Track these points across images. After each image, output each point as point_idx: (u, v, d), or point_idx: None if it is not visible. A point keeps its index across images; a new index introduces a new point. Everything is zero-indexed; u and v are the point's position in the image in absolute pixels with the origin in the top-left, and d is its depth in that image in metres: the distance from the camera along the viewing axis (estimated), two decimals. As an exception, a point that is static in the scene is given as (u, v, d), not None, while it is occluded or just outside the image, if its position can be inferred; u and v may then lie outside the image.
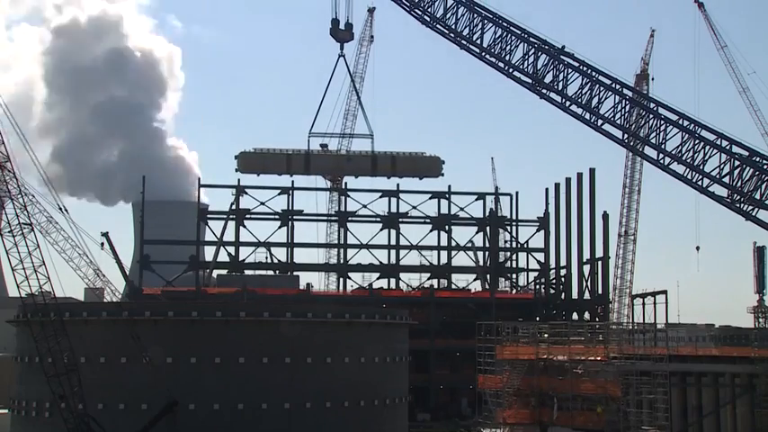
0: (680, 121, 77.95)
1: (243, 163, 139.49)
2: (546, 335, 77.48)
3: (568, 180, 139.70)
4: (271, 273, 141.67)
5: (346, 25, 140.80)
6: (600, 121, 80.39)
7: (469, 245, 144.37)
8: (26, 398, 73.22)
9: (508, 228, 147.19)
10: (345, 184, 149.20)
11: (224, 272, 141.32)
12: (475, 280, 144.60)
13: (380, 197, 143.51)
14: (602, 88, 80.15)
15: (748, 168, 75.25)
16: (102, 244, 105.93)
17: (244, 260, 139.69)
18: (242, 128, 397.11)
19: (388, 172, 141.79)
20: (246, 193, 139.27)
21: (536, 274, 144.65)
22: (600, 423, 69.37)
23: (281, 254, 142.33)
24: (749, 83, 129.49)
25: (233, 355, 70.40)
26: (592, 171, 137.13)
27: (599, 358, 70.84)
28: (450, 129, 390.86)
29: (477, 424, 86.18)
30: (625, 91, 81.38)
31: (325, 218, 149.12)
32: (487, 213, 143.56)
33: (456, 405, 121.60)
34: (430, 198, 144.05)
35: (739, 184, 75.27)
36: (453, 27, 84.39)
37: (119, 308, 73.75)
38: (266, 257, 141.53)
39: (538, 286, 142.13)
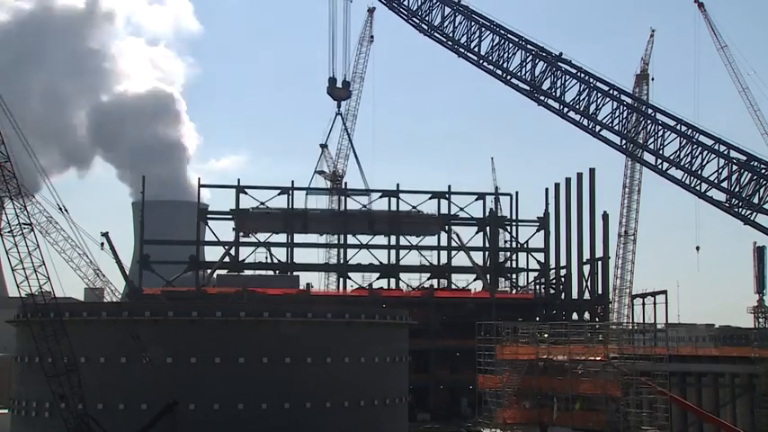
0: (678, 127, 78.19)
1: (240, 223, 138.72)
2: (546, 335, 77.41)
3: (568, 180, 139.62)
4: (271, 273, 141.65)
5: (343, 83, 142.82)
6: (598, 128, 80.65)
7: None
8: (26, 398, 73.19)
9: (508, 228, 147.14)
10: (345, 184, 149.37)
11: (224, 272, 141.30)
12: (475, 280, 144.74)
13: (380, 197, 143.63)
14: (599, 94, 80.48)
15: (746, 173, 75.55)
16: (102, 244, 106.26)
17: (244, 260, 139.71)
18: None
19: (386, 230, 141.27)
20: (246, 193, 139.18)
21: (536, 274, 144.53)
22: (600, 423, 69.29)
23: (281, 254, 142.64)
24: (749, 83, 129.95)
25: (233, 355, 70.39)
26: (592, 171, 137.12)
27: (599, 358, 70.77)
28: (451, 128, 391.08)
29: (477, 424, 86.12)
30: (623, 97, 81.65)
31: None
32: (487, 213, 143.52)
33: (456, 405, 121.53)
34: (430, 198, 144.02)
35: (737, 188, 75.46)
36: (451, 35, 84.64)
37: (119, 308, 73.77)
38: (266, 257, 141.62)
39: (538, 286, 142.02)
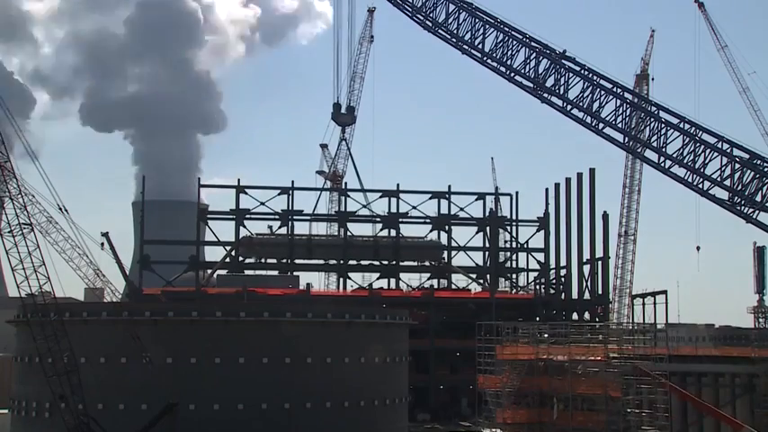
0: (681, 125, 78.20)
1: (245, 249, 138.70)
2: (546, 335, 77.38)
3: (568, 180, 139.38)
4: (271, 273, 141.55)
5: (348, 108, 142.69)
6: (601, 125, 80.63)
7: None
8: (26, 398, 73.19)
9: (508, 228, 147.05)
10: (345, 184, 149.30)
11: (224, 272, 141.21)
12: (475, 280, 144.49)
13: (380, 197, 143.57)
14: (602, 92, 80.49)
15: (749, 171, 75.53)
16: (102, 244, 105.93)
17: (244, 260, 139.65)
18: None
19: (390, 257, 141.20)
20: (246, 193, 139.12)
21: (536, 274, 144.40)
22: (599, 423, 69.29)
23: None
24: (749, 83, 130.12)
25: (233, 355, 70.40)
26: (592, 171, 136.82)
27: (599, 358, 70.75)
28: (451, 128, 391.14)
29: (477, 424, 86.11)
30: (626, 95, 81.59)
31: (326, 218, 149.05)
32: (487, 213, 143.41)
33: (456, 405, 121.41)
34: (430, 198, 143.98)
35: (740, 186, 75.45)
36: (455, 32, 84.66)
37: (119, 308, 73.72)
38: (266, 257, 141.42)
39: (538, 286, 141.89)
